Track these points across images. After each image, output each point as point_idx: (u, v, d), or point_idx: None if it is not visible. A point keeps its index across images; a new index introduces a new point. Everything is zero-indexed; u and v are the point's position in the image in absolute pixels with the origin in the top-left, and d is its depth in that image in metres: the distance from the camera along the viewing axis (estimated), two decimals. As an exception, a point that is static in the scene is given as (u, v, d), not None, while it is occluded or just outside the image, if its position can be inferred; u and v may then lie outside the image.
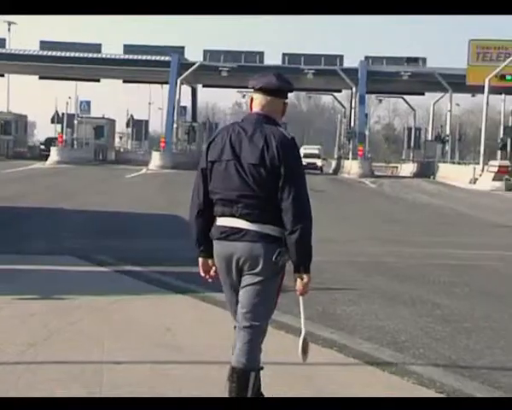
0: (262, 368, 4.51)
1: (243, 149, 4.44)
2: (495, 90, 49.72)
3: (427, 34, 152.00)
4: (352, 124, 59.07)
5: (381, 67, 56.15)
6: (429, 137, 66.82)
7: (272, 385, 5.35)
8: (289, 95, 4.81)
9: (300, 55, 56.88)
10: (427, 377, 5.73)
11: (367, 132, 61.29)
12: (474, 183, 41.73)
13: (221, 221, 4.49)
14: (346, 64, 56.84)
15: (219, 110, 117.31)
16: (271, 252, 4.39)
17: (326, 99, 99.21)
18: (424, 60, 57.95)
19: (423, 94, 66.86)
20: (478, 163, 46.37)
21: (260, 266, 4.42)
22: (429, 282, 10.45)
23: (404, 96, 72.41)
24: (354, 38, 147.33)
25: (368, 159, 57.38)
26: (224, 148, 4.49)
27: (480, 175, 42.88)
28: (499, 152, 51.97)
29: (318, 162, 62.34)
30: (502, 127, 59.05)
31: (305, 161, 60.48)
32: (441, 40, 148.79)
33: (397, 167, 70.05)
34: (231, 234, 4.44)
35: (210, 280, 4.74)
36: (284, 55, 57.55)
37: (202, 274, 4.69)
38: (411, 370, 5.93)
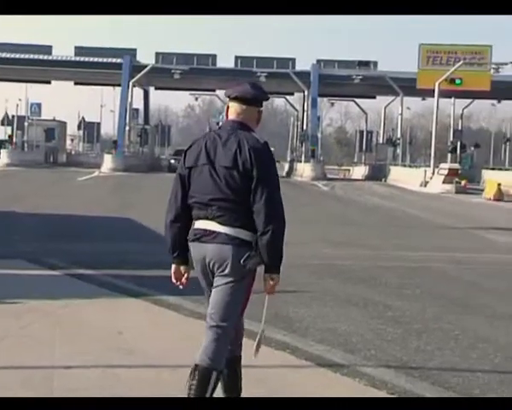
0: (222, 370, 4.59)
1: (217, 153, 4.59)
2: (445, 94, 50.34)
3: (379, 38, 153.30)
4: (305, 127, 59.35)
5: (333, 71, 56.55)
6: (381, 141, 67.44)
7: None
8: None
9: (253, 58, 57.01)
10: (379, 379, 5.78)
11: (319, 135, 61.67)
12: (425, 186, 42.18)
13: (197, 224, 4.62)
14: (299, 67, 57.12)
15: (172, 113, 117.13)
16: (240, 255, 4.48)
17: (279, 102, 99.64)
18: (375, 63, 58.51)
19: (375, 97, 67.50)
20: (429, 166, 46.90)
21: (229, 269, 4.52)
22: (381, 284, 10.53)
23: (356, 100, 72.99)
24: (306, 42, 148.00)
25: (320, 162, 57.72)
26: (200, 153, 4.64)
27: (431, 178, 43.34)
28: (449, 155, 52.68)
29: None
30: (451, 130, 59.92)
31: None
32: (392, 44, 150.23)
33: (349, 170, 70.53)
34: (204, 236, 4.56)
35: (181, 287, 4.76)
36: (237, 57, 57.64)
37: (174, 281, 4.74)
38: (363, 371, 5.98)
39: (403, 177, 48.19)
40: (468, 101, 65.91)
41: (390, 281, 10.80)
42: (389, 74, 55.21)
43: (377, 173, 56.19)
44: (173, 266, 4.71)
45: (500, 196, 31.64)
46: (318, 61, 57.57)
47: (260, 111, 4.82)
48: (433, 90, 45.50)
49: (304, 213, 23.47)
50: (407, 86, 54.81)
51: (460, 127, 66.26)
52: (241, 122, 4.68)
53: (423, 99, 66.02)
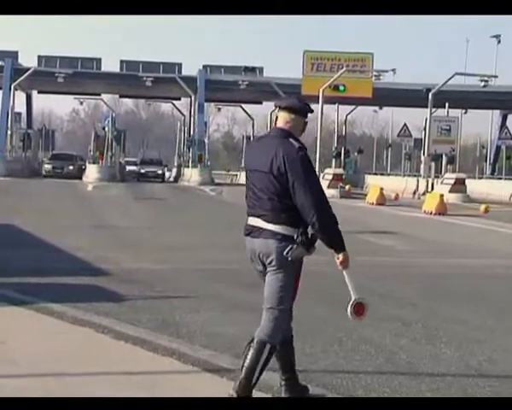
0: (275, 346, 5.36)
1: (260, 159, 5.30)
2: (329, 101, 51.30)
3: (265, 44, 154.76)
4: (192, 132, 59.30)
5: (220, 76, 56.75)
6: (267, 146, 67.85)
7: (117, 394, 5.32)
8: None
9: (139, 63, 56.57)
10: (265, 383, 5.84)
11: (206, 140, 61.65)
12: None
13: (248, 221, 5.44)
14: (185, 72, 57.05)
15: (56, 117, 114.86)
16: (283, 248, 5.19)
17: (165, 107, 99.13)
18: (261, 69, 59.03)
19: (261, 103, 68.01)
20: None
21: (274, 260, 5.23)
22: (267, 288, 10.63)
23: (243, 105, 73.45)
24: (193, 47, 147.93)
25: (207, 167, 57.76)
26: (249, 158, 5.46)
27: (316, 182, 43.95)
28: (334, 160, 53.67)
29: (159, 170, 59.36)
30: (336, 136, 61.09)
31: (144, 168, 58.54)
32: (278, 50, 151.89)
33: (236, 175, 70.82)
34: (252, 231, 5.36)
35: None
36: (122, 62, 57.07)
37: None
38: (250, 375, 6.01)
39: (289, 182, 48.71)
40: (352, 107, 67.32)
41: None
42: (274, 80, 55.77)
43: (264, 178, 56.55)
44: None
45: (382, 200, 32.50)
46: (205, 67, 57.65)
47: (306, 122, 5.44)
48: (318, 97, 46.26)
49: (191, 219, 23.47)
50: (292, 92, 55.28)
51: (344, 133, 67.59)
52: (287, 130, 5.33)
53: (308, 105, 66.97)
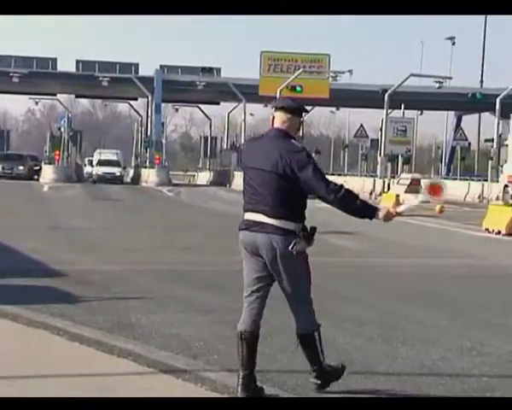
0: (320, 325, 5.75)
1: (262, 158, 5.56)
2: (287, 101, 51.30)
3: (222, 44, 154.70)
4: (149, 132, 59.05)
5: (177, 77, 56.61)
6: (225, 146, 68.03)
7: (72, 395, 5.27)
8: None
9: (95, 63, 56.22)
10: (221, 383, 5.83)
11: (164, 141, 61.48)
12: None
13: (246, 215, 5.61)
14: (142, 73, 56.82)
15: (11, 117, 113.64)
16: (286, 243, 5.48)
17: (122, 107, 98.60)
18: (219, 70, 59.00)
19: (218, 103, 68.02)
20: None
21: (278, 255, 5.50)
22: (226, 289, 10.62)
23: (200, 106, 73.31)
24: (150, 47, 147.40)
25: (165, 167, 57.58)
26: (248, 156, 5.69)
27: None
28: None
29: (118, 171, 55.19)
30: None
31: (100, 170, 53.89)
32: (235, 51, 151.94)
33: (194, 176, 70.68)
34: (253, 226, 5.54)
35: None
36: (78, 61, 56.67)
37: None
38: (205, 376, 6.01)
39: (247, 182, 48.75)
40: (309, 108, 67.57)
41: (235, 285, 10.81)
42: (232, 81, 55.79)
43: (222, 179, 56.70)
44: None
45: None
46: (162, 67, 57.47)
47: (301, 121, 5.84)
48: (275, 97, 46.42)
49: (149, 219, 23.38)
50: (250, 93, 55.59)
51: (301, 134, 67.75)
52: (284, 130, 5.60)
53: (266, 106, 67.07)
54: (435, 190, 13.54)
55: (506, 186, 37.01)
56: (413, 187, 38.49)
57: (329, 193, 5.53)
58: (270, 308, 9.10)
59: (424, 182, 13.35)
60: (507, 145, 37.75)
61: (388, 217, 5.73)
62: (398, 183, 42.30)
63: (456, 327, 8.54)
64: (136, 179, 55.75)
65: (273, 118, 5.70)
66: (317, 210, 27.55)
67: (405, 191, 36.99)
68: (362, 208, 5.64)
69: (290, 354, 6.93)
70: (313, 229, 5.61)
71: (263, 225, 5.52)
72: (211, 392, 5.45)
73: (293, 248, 5.49)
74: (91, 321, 7.95)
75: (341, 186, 5.57)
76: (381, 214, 5.68)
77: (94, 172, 54.63)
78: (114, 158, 57.31)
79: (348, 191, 5.59)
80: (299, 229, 5.53)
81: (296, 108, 5.67)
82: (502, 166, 38.80)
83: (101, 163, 55.29)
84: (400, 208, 5.96)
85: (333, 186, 5.56)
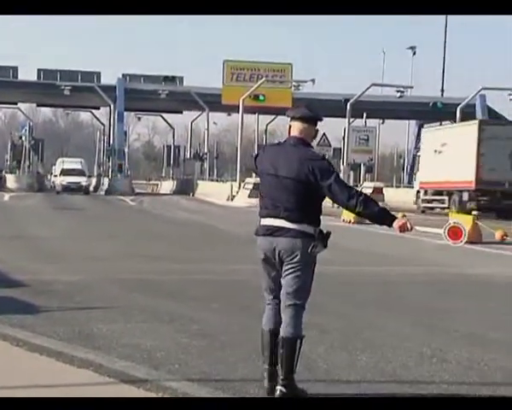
0: (304, 336, 5.84)
1: (282, 165, 5.79)
2: (250, 110, 51.54)
3: (184, 53, 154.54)
4: (112, 141, 58.79)
5: (139, 85, 56.42)
6: (188, 155, 67.98)
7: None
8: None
9: (56, 71, 55.85)
10: (182, 392, 5.82)
11: (126, 150, 61.25)
12: (232, 200, 42.96)
13: (266, 221, 5.85)
14: (104, 81, 56.54)
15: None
16: (307, 246, 5.70)
17: (85, 116, 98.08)
18: (181, 79, 58.90)
19: (181, 112, 67.94)
20: (235, 180, 47.78)
21: (298, 257, 5.73)
22: (189, 298, 10.61)
23: (163, 115, 73.22)
24: (111, 56, 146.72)
25: (128, 176, 57.37)
26: (266, 164, 5.89)
27: (237, 192, 44.18)
28: (254, 169, 53.88)
29: (83, 181, 52.57)
30: (256, 146, 61.43)
31: (64, 180, 51.42)
32: (198, 60, 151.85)
33: (157, 185, 70.52)
34: (275, 231, 5.77)
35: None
36: (39, 70, 56.26)
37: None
38: (166, 386, 5.98)
39: (210, 191, 48.83)
40: (272, 117, 67.75)
41: (198, 294, 10.91)
42: (195, 90, 55.74)
43: (185, 188, 56.62)
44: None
45: None
46: (124, 76, 57.25)
47: (317, 130, 6.01)
48: (238, 106, 46.49)
49: (112, 229, 23.26)
50: (213, 102, 55.59)
51: (264, 142, 68.00)
52: (302, 139, 5.87)
53: (229, 114, 67.22)
54: (455, 232, 13.24)
55: (418, 192, 40.23)
56: (375, 195, 38.84)
57: (351, 199, 5.75)
58: (230, 319, 9.12)
59: (446, 225, 12.93)
60: (419, 156, 40.32)
61: (403, 228, 5.84)
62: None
63: (416, 334, 8.60)
64: (98, 188, 55.44)
65: (290, 127, 5.95)
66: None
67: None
68: (381, 214, 5.87)
69: (252, 363, 6.93)
70: (329, 233, 5.85)
71: (284, 230, 5.75)
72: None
73: (312, 251, 5.74)
74: (52, 331, 7.89)
75: (361, 192, 5.85)
76: (396, 224, 5.84)
77: (58, 183, 52.24)
78: (78, 167, 54.93)
79: (368, 197, 5.86)
80: (317, 232, 5.77)
81: (312, 118, 5.95)
82: (415, 173, 41.26)
83: (64, 173, 52.82)
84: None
85: (354, 192, 5.83)
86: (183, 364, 6.82)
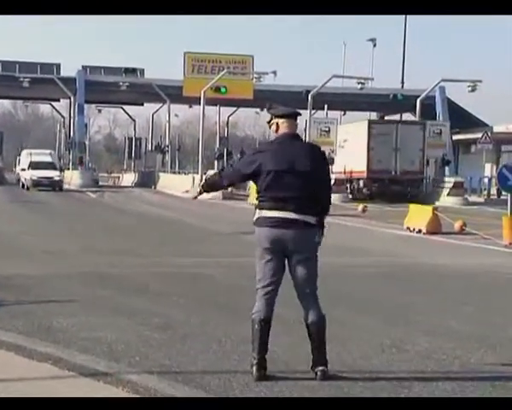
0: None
1: (290, 160, 6.11)
2: (211, 102, 51.40)
3: (145, 45, 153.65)
4: (72, 134, 58.33)
5: (99, 77, 55.99)
6: (150, 148, 67.71)
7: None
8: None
9: (15, 63, 55.19)
10: (142, 385, 5.81)
11: (87, 142, 60.81)
12: (194, 192, 42.81)
13: (273, 213, 6.11)
14: (64, 73, 56.03)
15: None
16: (314, 235, 6.17)
17: (44, 108, 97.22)
18: (142, 71, 58.57)
19: (142, 104, 67.63)
20: (197, 173, 47.65)
21: (307, 247, 6.16)
22: (149, 292, 10.59)
23: (124, 107, 72.83)
24: (71, 48, 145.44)
25: (89, 169, 57.00)
26: (274, 159, 6.12)
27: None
28: (216, 162, 53.86)
29: (56, 176, 45.70)
30: (218, 138, 61.31)
31: (35, 175, 44.18)
32: (159, 52, 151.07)
33: (119, 177, 70.17)
34: (282, 223, 6.07)
35: None
36: (-2, 62, 55.58)
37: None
38: (127, 379, 5.97)
39: (172, 183, 48.66)
40: (233, 109, 67.69)
41: (158, 288, 10.89)
42: (156, 82, 55.46)
43: (147, 180, 56.40)
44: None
45: None
46: (84, 67, 56.76)
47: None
48: (200, 98, 46.34)
49: (73, 222, 23.10)
50: (174, 94, 55.37)
51: (226, 134, 67.99)
52: (297, 135, 6.35)
53: (190, 106, 67.06)
54: None
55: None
56: (337, 187, 39.07)
57: (329, 200, 6.40)
58: (191, 312, 9.13)
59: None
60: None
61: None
62: None
63: (376, 325, 8.67)
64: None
65: (277, 124, 6.30)
66: (239, 211, 27.45)
67: None
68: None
69: (212, 355, 6.95)
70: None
71: (292, 221, 6.08)
72: (132, 394, 5.42)
73: (318, 238, 6.20)
74: (11, 325, 7.85)
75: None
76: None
77: (26, 177, 45.81)
78: (48, 159, 48.48)
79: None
80: (320, 221, 6.22)
81: (298, 114, 6.42)
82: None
83: (33, 166, 46.13)
84: None
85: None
86: (143, 357, 6.82)
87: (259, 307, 6.21)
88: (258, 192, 6.28)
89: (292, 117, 6.33)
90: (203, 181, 6.84)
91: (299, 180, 6.11)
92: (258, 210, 6.23)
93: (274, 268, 6.20)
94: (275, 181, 6.13)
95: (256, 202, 6.32)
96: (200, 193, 6.74)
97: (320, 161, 6.31)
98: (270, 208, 6.15)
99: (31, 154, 49.50)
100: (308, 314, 6.27)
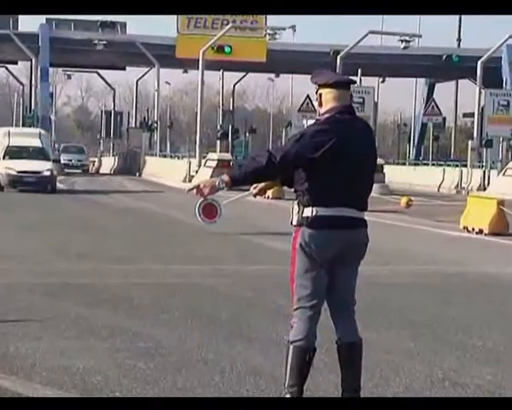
0: None
1: (358, 144, 6.06)
2: (212, 66, 51.31)
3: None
4: (33, 105, 58.52)
5: (69, 34, 56.15)
6: (133, 124, 67.93)
7: None
8: None
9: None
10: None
11: (53, 117, 61.17)
12: (190, 181, 42.87)
13: (336, 211, 6.01)
14: (23, 28, 56.20)
15: None
16: (367, 236, 6.24)
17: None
18: (124, 25, 58.71)
19: (124, 69, 67.79)
20: (194, 156, 47.72)
21: (363, 250, 6.24)
22: (131, 307, 10.62)
23: (100, 71, 73.05)
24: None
25: (55, 150, 57.17)
26: (343, 144, 5.97)
27: (197, 171, 44.12)
28: (218, 142, 53.66)
29: (45, 170, 35.84)
30: (221, 112, 61.00)
31: (14, 168, 35.24)
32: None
33: (93, 162, 70.39)
34: (347, 223, 6.05)
35: None
36: None
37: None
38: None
39: (162, 170, 48.82)
40: (241, 74, 67.74)
41: (143, 303, 10.92)
42: (141, 40, 55.54)
43: (130, 166, 56.66)
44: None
45: (280, 194, 31.23)
46: (49, 21, 56.81)
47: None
48: (197, 61, 46.33)
49: (32, 218, 23.18)
50: (164, 55, 55.46)
51: (231, 108, 67.93)
52: (353, 109, 6.21)
53: (185, 71, 67.17)
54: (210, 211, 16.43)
55: None
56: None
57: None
58: (184, 334, 9.15)
59: (198, 203, 15.29)
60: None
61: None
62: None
63: (423, 351, 8.70)
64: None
65: (320, 96, 6.18)
66: (245, 206, 27.55)
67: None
68: None
69: (213, 389, 6.98)
70: None
71: (357, 220, 6.14)
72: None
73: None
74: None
75: None
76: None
77: (1, 172, 36.28)
78: (37, 144, 38.68)
79: None
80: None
81: (350, 82, 6.30)
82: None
83: (12, 155, 37.12)
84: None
85: None
86: (125, 391, 6.85)
87: (306, 332, 6.09)
88: (310, 184, 5.98)
89: (345, 87, 6.21)
90: (227, 175, 6.17)
91: (363, 168, 6.13)
92: (306, 207, 6.00)
93: (322, 281, 6.12)
94: (342, 170, 6.00)
95: (300, 196, 6.08)
96: (216, 190, 6.17)
97: (374, 142, 6.39)
98: (331, 205, 6.02)
99: (8, 133, 39.59)
100: (343, 335, 6.24)
